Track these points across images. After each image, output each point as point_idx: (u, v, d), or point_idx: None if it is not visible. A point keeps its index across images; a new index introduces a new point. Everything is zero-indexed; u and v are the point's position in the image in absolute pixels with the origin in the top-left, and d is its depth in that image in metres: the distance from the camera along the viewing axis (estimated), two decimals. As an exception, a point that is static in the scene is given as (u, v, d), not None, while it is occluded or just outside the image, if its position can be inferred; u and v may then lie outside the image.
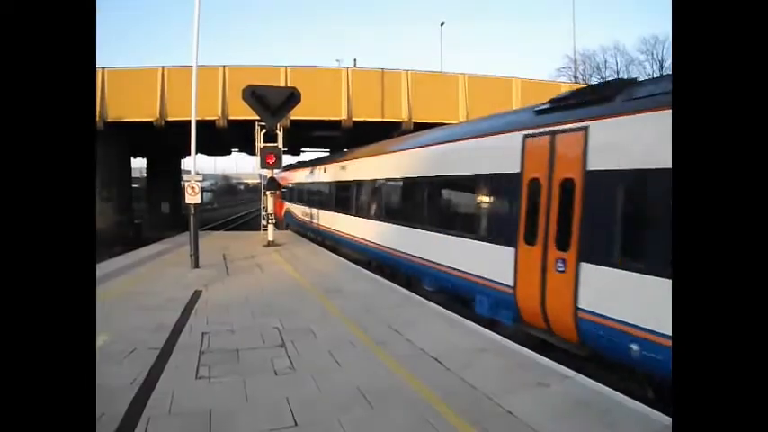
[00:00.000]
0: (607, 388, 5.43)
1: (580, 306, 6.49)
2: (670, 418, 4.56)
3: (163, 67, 22.78)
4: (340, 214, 17.64)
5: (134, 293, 10.20)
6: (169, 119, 22.44)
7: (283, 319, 8.16)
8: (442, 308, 9.04)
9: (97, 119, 21.74)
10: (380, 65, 24.62)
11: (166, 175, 38.20)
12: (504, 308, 8.13)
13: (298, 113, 19.95)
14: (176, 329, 7.61)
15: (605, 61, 58.38)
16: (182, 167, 40.72)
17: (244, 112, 18.94)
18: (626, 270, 5.91)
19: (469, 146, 9.83)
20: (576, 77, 49.19)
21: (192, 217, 13.82)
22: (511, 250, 7.85)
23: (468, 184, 9.76)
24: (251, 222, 40.85)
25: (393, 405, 5.02)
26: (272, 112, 17.16)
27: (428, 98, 24.11)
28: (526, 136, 7.87)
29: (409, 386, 5.49)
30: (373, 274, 12.61)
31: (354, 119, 23.40)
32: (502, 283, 8.01)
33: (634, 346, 5.67)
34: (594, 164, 6.51)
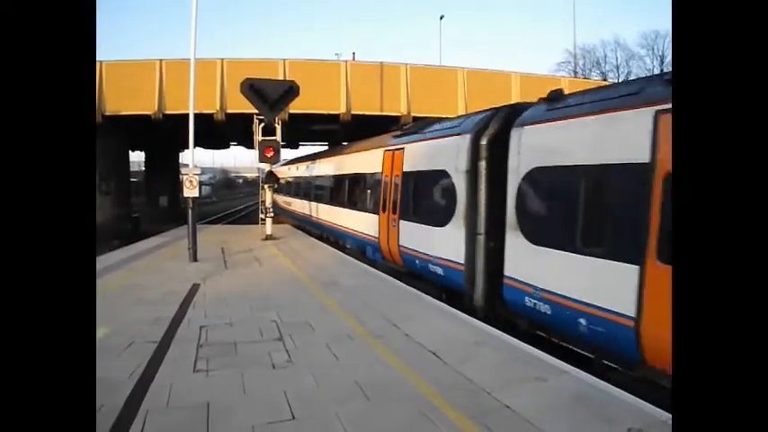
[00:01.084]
0: (605, 383, 5.44)
1: (401, 244, 11.96)
2: (668, 413, 4.58)
3: (161, 60, 22.69)
4: (298, 200, 25.87)
5: (132, 287, 10.21)
6: (167, 112, 22.38)
7: (281, 313, 8.17)
8: (440, 302, 9.05)
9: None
10: (379, 59, 24.50)
11: (165, 168, 38.19)
12: (377, 251, 13.59)
13: (296, 107, 19.91)
14: (174, 323, 7.62)
15: (605, 56, 58.51)
16: (180, 161, 40.71)
17: (242, 105, 18.86)
18: (416, 223, 11.34)
19: (359, 155, 16.47)
20: (575, 72, 49.27)
21: (190, 210, 13.83)
22: (376, 217, 13.44)
23: (361, 179, 15.90)
24: (249, 216, 40.86)
25: (391, 399, 5.03)
26: (270, 106, 17.09)
27: (427, 92, 24.07)
28: (385, 150, 13.28)
29: (407, 380, 5.50)
30: (371, 269, 12.62)
31: (353, 112, 23.36)
32: (375, 237, 13.58)
33: (419, 263, 11.00)
34: (406, 167, 12.05)
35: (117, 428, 4.38)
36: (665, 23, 53.99)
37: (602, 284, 6.29)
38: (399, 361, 6.06)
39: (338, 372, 5.75)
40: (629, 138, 5.98)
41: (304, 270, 12.40)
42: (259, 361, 6.06)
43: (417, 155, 11.63)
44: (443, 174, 10.07)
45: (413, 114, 23.39)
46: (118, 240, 21.02)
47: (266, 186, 19.02)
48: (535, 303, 7.36)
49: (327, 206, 19.56)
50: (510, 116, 8.80)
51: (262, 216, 19.39)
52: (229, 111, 22.43)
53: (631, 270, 5.72)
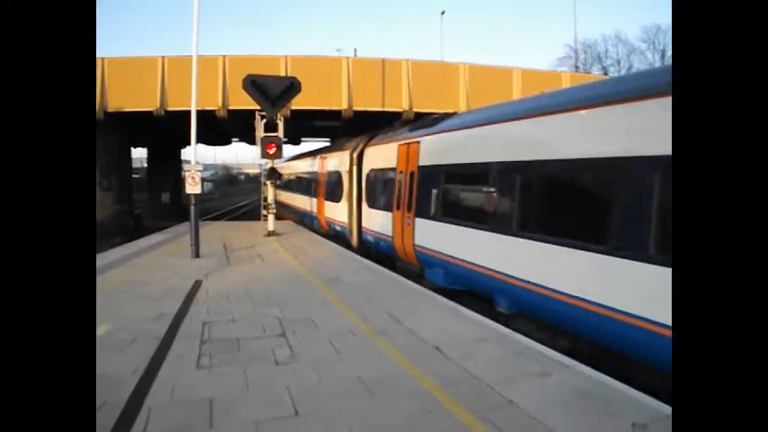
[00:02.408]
0: (608, 377, 5.43)
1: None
2: (670, 407, 4.57)
3: (163, 56, 22.70)
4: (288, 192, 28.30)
5: (135, 283, 10.22)
6: (169, 109, 22.39)
7: (284, 309, 8.17)
8: (443, 298, 9.04)
9: (97, 109, 21.70)
10: (381, 55, 24.46)
11: (167, 165, 38.24)
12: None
13: (298, 103, 19.88)
14: (177, 319, 7.63)
15: (606, 51, 58.22)
16: (182, 157, 40.71)
17: (244, 101, 18.88)
18: (329, 201, 18.16)
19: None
20: (576, 67, 49.01)
21: (192, 207, 13.84)
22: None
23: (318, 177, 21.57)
24: (252, 212, 40.86)
25: (393, 394, 5.03)
26: (272, 102, 17.07)
27: (429, 88, 24.03)
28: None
29: (410, 375, 5.50)
30: (374, 264, 12.62)
31: (355, 108, 23.33)
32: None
33: (339, 228, 17.50)
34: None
35: (120, 424, 4.38)
36: (666, 18, 53.78)
37: (387, 225, 13.28)
38: (402, 357, 6.05)
39: (341, 367, 5.75)
40: (393, 155, 13.22)
41: (306, 266, 12.41)
42: (262, 357, 6.06)
43: (328, 161, 20.36)
44: (340, 173, 18.17)
45: (414, 110, 23.37)
46: (120, 237, 21.05)
47: (268, 182, 19.01)
48: (367, 237, 15.18)
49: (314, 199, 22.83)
50: (369, 140, 16.29)
51: (264, 212, 19.39)
52: (231, 107, 22.44)
53: (391, 216, 12.96)
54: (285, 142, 21.40)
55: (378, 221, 14.19)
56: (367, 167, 15.63)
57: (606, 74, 51.42)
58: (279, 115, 17.75)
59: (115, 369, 5.51)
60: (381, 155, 14.62)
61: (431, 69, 25.06)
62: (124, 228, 24.39)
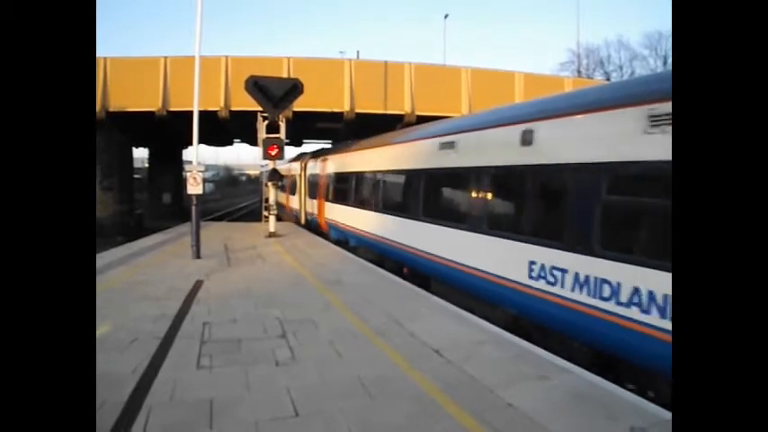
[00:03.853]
0: (606, 381, 5.44)
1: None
2: (669, 412, 4.57)
3: (165, 56, 22.76)
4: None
5: (136, 283, 10.23)
6: (171, 109, 22.45)
7: (285, 310, 8.18)
8: (443, 301, 9.05)
9: (99, 109, 21.76)
10: (384, 57, 24.55)
11: (168, 165, 38.25)
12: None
13: (300, 105, 19.94)
14: (178, 319, 7.64)
15: (609, 56, 58.19)
16: (184, 158, 40.72)
17: (246, 102, 18.92)
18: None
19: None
20: (579, 72, 49.08)
21: (193, 207, 13.86)
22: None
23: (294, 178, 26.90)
24: (252, 213, 40.89)
25: (393, 396, 5.04)
26: (274, 104, 17.13)
27: (431, 91, 24.05)
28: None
29: (410, 377, 5.51)
30: (375, 267, 12.62)
31: (357, 111, 23.37)
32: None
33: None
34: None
35: (120, 424, 4.39)
36: (667, 24, 53.87)
37: (314, 207, 21.48)
38: (403, 358, 6.06)
39: (341, 369, 5.77)
40: (318, 166, 21.53)
41: (307, 267, 12.42)
42: (262, 358, 6.08)
43: (292, 168, 27.95)
44: (295, 176, 25.83)
45: (417, 113, 23.40)
46: (121, 237, 21.08)
47: (269, 184, 19.04)
48: (308, 217, 22.71)
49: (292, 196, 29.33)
50: (312, 156, 23.82)
51: (265, 213, 19.41)
52: (233, 108, 22.48)
53: (316, 202, 21.17)
54: (287, 144, 21.45)
55: (312, 206, 22.34)
56: (308, 173, 23.63)
57: (608, 79, 51.43)
58: (281, 117, 17.79)
59: (115, 368, 5.52)
60: (314, 165, 22.60)
61: (433, 72, 25.07)
62: (125, 228, 24.41)
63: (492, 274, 8.19)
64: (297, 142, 38.01)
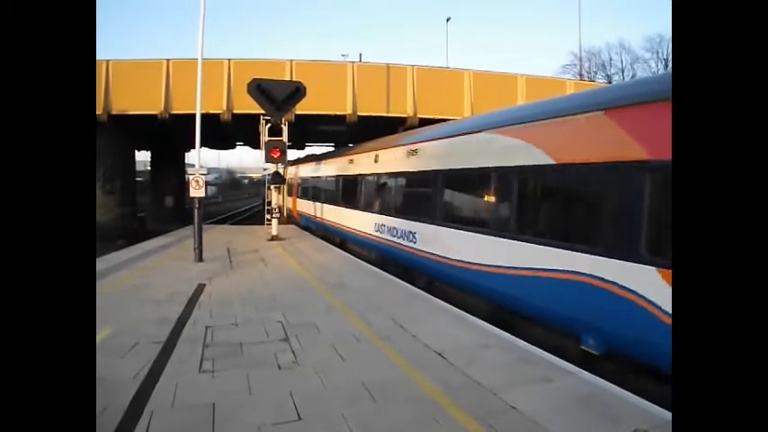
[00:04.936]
0: (610, 384, 5.42)
1: (299, 209, 27.23)
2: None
3: (168, 59, 22.72)
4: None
5: (138, 286, 10.22)
6: (174, 112, 22.39)
7: (287, 314, 8.16)
8: (447, 304, 9.03)
9: (101, 111, 21.76)
10: (386, 60, 24.57)
11: (171, 168, 38.21)
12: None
13: (303, 107, 19.88)
14: (180, 323, 7.62)
15: (610, 59, 58.27)
16: (186, 161, 40.75)
17: (249, 105, 18.88)
18: (305, 200, 25.58)
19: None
20: (581, 75, 49.02)
21: (195, 210, 13.84)
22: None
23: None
24: (255, 216, 40.94)
25: (397, 400, 5.01)
26: (277, 106, 17.10)
27: (434, 94, 23.99)
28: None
29: (414, 381, 5.49)
30: (378, 270, 12.61)
31: (360, 113, 23.31)
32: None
33: (306, 221, 24.80)
34: (299, 176, 28.28)
35: (122, 429, 4.37)
36: (668, 28, 53.91)
37: (290, 202, 28.86)
38: (406, 362, 6.04)
39: (344, 373, 5.74)
40: (293, 171, 29.83)
41: (310, 271, 12.40)
42: (265, 361, 6.05)
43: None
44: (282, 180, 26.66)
45: (419, 116, 23.35)
46: (123, 240, 21.08)
47: (272, 187, 19.05)
48: (288, 213, 27.65)
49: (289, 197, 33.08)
50: (291, 162, 29.77)
51: (267, 216, 19.40)
52: (236, 111, 22.44)
53: (293, 199, 28.72)
54: (289, 147, 21.45)
55: (289, 202, 28.51)
56: (288, 176, 28.50)
57: (610, 81, 51.43)
58: (284, 119, 17.79)
59: (117, 373, 5.50)
60: (290, 171, 29.35)
61: (435, 75, 25.02)
62: (127, 231, 24.41)
63: (372, 235, 14.77)
64: (299, 145, 38.04)
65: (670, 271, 5.25)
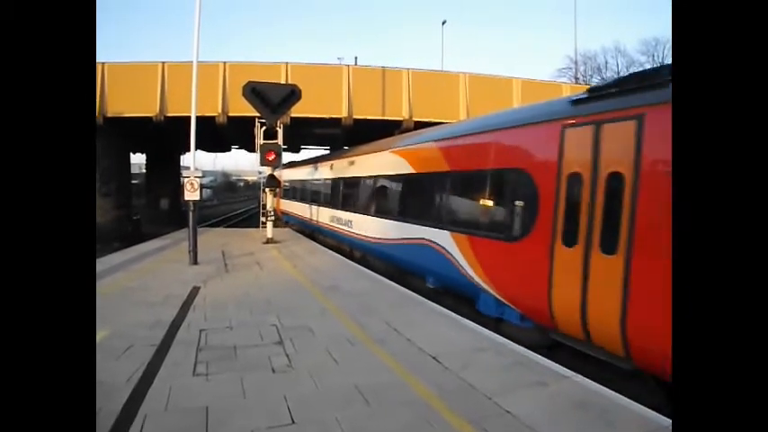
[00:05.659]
0: (605, 388, 5.42)
1: (281, 208, 30.11)
2: (668, 419, 4.56)
3: (163, 62, 22.71)
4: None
5: (132, 289, 10.19)
6: (169, 114, 22.37)
7: (282, 317, 8.14)
8: (441, 307, 9.03)
9: (97, 114, 21.70)
10: (382, 64, 24.56)
11: (166, 171, 38.16)
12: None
13: (298, 111, 19.91)
14: (174, 326, 7.60)
15: (606, 62, 58.38)
16: (181, 163, 40.67)
17: (244, 108, 18.88)
18: (285, 200, 30.05)
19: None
20: (576, 78, 49.16)
21: (191, 213, 13.81)
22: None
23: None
24: (250, 219, 40.90)
25: (391, 403, 5.00)
26: (272, 109, 17.11)
27: (429, 97, 24.03)
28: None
29: (408, 385, 5.48)
30: (372, 273, 12.61)
31: (355, 117, 23.33)
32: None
33: (287, 218, 29.91)
34: (285, 179, 30.14)
35: (115, 432, 4.35)
36: (664, 31, 54.22)
37: (275, 203, 21.15)
38: (400, 366, 6.03)
39: (338, 376, 5.73)
40: (280, 177, 25.72)
41: (305, 274, 12.39)
42: (259, 365, 6.04)
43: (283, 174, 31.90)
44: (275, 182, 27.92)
45: (414, 119, 23.38)
46: (118, 242, 21.02)
47: (267, 190, 19.04)
48: (283, 214, 30.17)
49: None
50: (285, 166, 31.55)
51: (262, 219, 19.38)
52: (231, 114, 22.43)
53: (278, 200, 28.19)
54: (284, 150, 21.45)
55: (279, 203, 28.89)
56: (285, 179, 31.02)
57: (606, 84, 51.42)
58: (279, 122, 17.79)
59: (111, 376, 5.47)
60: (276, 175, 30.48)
61: (431, 78, 25.06)
62: (123, 233, 24.35)
63: (328, 224, 19.35)
64: (295, 148, 38.02)
65: (456, 233, 9.57)
